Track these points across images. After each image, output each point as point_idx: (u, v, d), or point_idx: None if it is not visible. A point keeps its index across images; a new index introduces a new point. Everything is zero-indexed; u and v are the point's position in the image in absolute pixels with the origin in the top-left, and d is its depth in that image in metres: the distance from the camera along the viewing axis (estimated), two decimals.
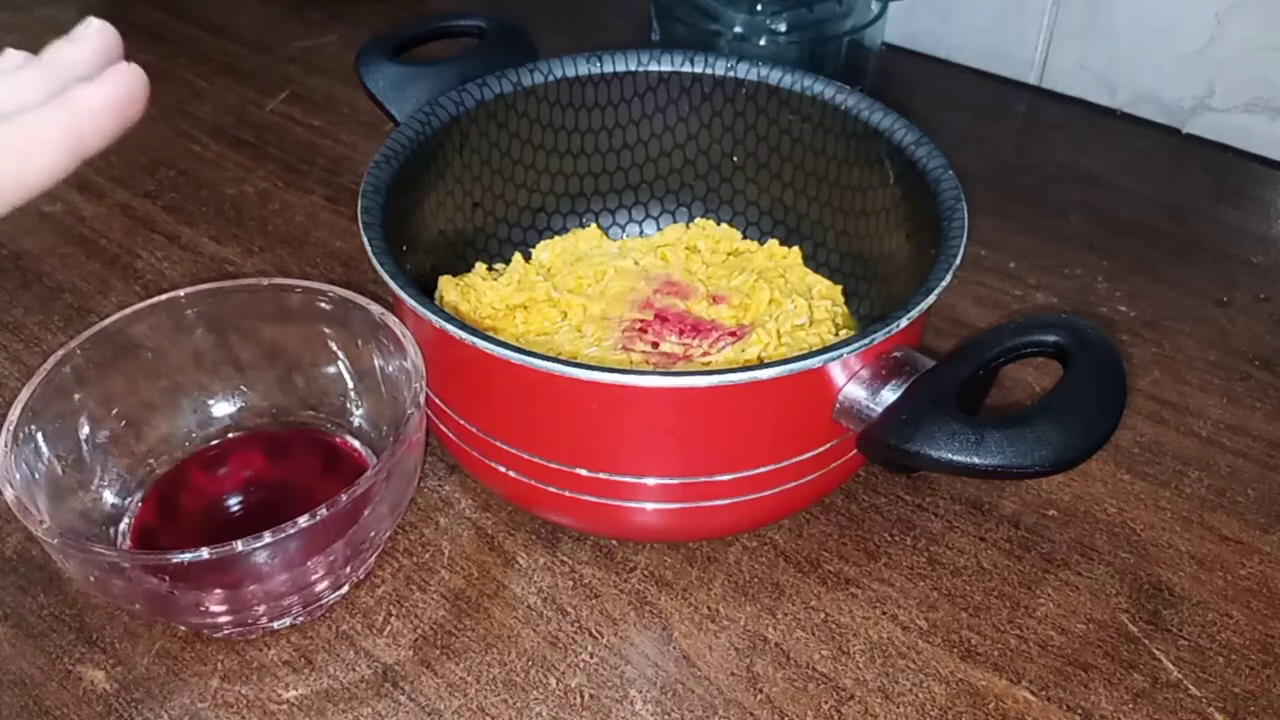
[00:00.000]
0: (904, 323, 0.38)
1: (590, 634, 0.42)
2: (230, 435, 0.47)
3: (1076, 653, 0.42)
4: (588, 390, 0.37)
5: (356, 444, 0.47)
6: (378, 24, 0.84)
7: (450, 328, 0.38)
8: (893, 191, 0.48)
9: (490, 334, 0.38)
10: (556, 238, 0.55)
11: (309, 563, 0.38)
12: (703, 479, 0.40)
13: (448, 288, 0.49)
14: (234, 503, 0.45)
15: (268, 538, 0.36)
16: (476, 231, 0.53)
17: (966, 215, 0.43)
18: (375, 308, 0.43)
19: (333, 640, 0.42)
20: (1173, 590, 0.44)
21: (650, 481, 0.40)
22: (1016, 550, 0.46)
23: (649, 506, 0.41)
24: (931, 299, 0.39)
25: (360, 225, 0.42)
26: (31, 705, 0.40)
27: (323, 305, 0.45)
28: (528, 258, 0.54)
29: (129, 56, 0.34)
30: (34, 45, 0.33)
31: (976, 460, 0.36)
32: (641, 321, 0.49)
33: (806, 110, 0.51)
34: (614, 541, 0.46)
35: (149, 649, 0.42)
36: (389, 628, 0.42)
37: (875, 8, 0.69)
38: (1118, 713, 0.40)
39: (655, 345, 0.48)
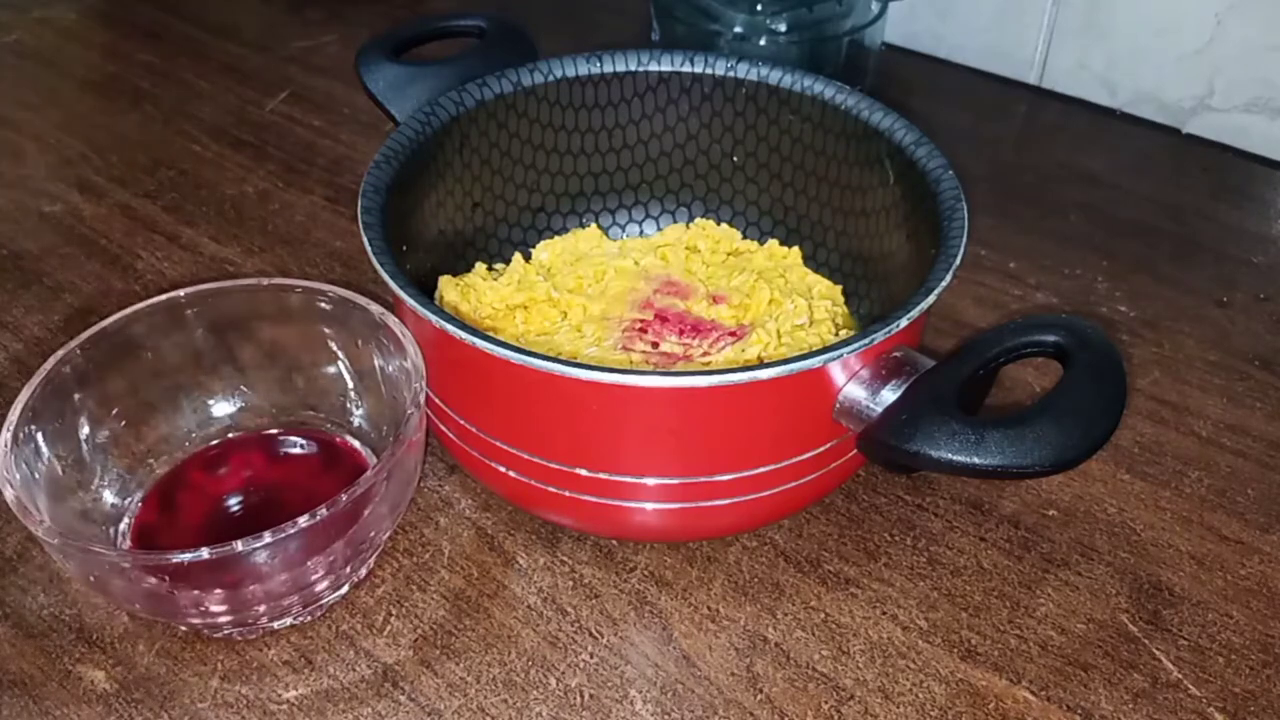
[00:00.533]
0: (904, 323, 0.38)
1: (590, 634, 0.42)
2: (230, 435, 0.47)
3: (1076, 653, 0.42)
4: (588, 390, 0.37)
5: (356, 444, 0.47)
6: (378, 24, 0.84)
7: (450, 328, 0.38)
8: (893, 191, 0.48)
9: (490, 334, 0.38)
10: (556, 238, 0.55)
11: (309, 563, 0.38)
12: (703, 479, 0.40)
13: (448, 288, 0.49)
14: (234, 503, 0.45)
15: (268, 538, 0.36)
16: (476, 231, 0.53)
17: (966, 215, 0.43)
18: (375, 308, 0.43)
19: (333, 640, 0.42)
20: (1173, 590, 0.44)
21: (650, 481, 0.40)
22: (1016, 550, 0.46)
23: (649, 506, 0.41)
24: (931, 299, 0.39)
25: (360, 225, 0.42)
26: (31, 705, 0.40)
27: (323, 305, 0.45)
28: (528, 258, 0.54)
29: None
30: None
31: (976, 460, 0.36)
32: (641, 321, 0.49)
33: (806, 110, 0.51)
34: (614, 541, 0.46)
35: (149, 649, 0.42)
36: (389, 628, 0.43)
37: (875, 8, 0.69)
38: (1118, 713, 0.40)
39: (655, 345, 0.48)
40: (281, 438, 0.47)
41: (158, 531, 0.43)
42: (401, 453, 0.39)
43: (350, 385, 0.47)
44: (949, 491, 0.48)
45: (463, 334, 0.38)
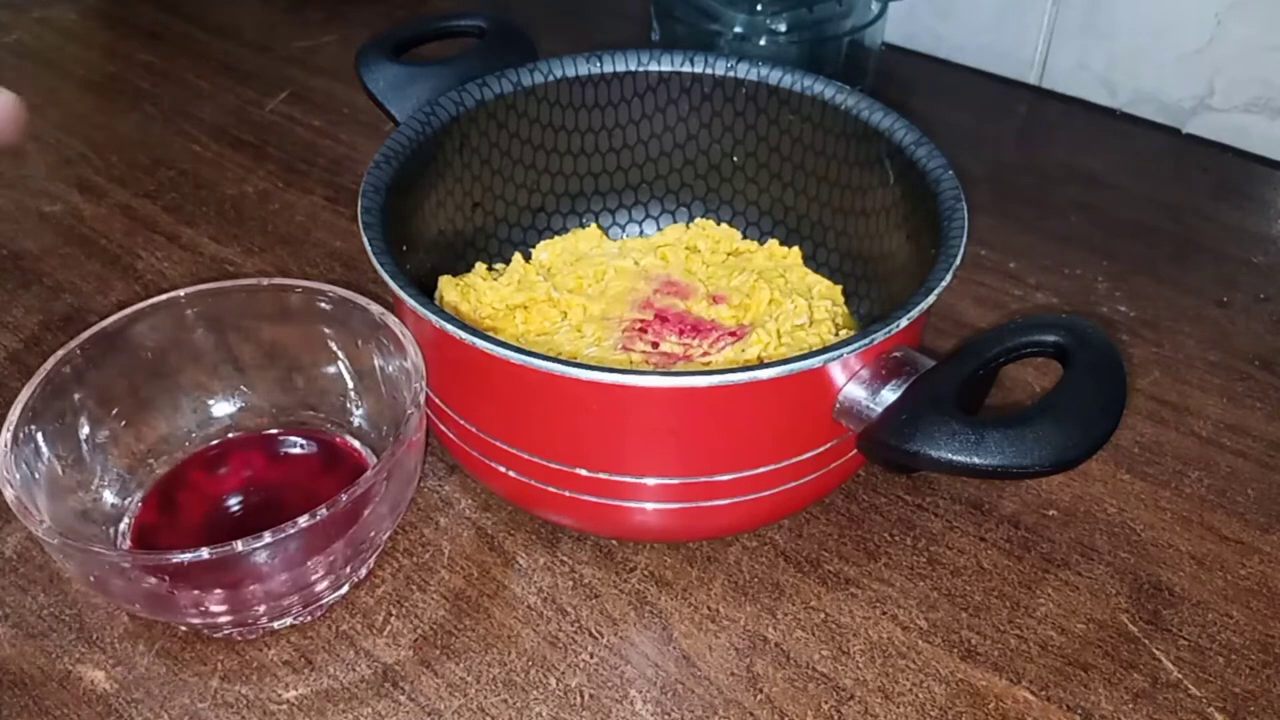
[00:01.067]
0: (904, 323, 0.38)
1: (590, 634, 0.42)
2: (230, 435, 0.47)
3: (1076, 653, 0.42)
4: (588, 390, 0.37)
5: (356, 444, 0.47)
6: (378, 24, 0.84)
7: (450, 328, 0.38)
8: (893, 191, 0.48)
9: (490, 334, 0.38)
10: (556, 238, 0.55)
11: (309, 563, 0.38)
12: (703, 479, 0.40)
13: (448, 288, 0.49)
14: (234, 503, 0.45)
15: (268, 538, 0.36)
16: (476, 231, 0.53)
17: (966, 215, 0.43)
18: (375, 308, 0.43)
19: (333, 640, 0.42)
20: (1173, 590, 0.44)
21: (650, 481, 0.40)
22: (1016, 550, 0.46)
23: (649, 506, 0.41)
24: (931, 299, 0.39)
25: (360, 225, 0.42)
26: (31, 705, 0.40)
27: (323, 305, 0.45)
28: (528, 258, 0.54)
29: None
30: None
31: (976, 460, 0.36)
32: (641, 321, 0.49)
33: (806, 110, 0.51)
34: (614, 541, 0.46)
35: (149, 649, 0.42)
36: (389, 628, 0.42)
37: (875, 8, 0.69)
38: (1118, 713, 0.40)
39: (655, 345, 0.48)
40: (281, 438, 0.47)
41: (158, 531, 0.43)
42: (401, 453, 0.39)
43: (350, 385, 0.47)
44: (949, 491, 0.48)
45: (463, 334, 0.38)
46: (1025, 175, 0.69)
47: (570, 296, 0.50)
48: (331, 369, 0.47)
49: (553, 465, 0.40)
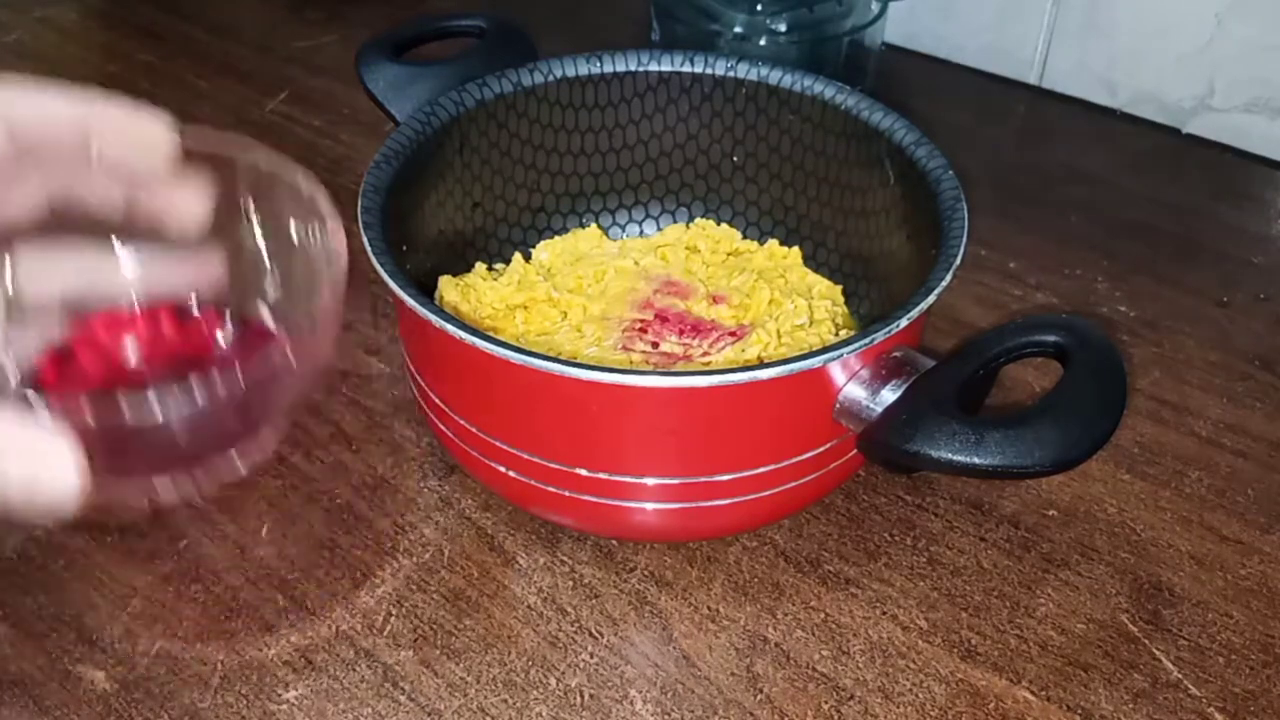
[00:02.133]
0: (904, 323, 0.38)
1: (590, 634, 0.42)
2: (140, 302, 0.45)
3: (1076, 653, 0.42)
4: (588, 390, 0.37)
5: (270, 320, 0.44)
6: (378, 24, 0.84)
7: (450, 328, 0.38)
8: (893, 191, 0.48)
9: (490, 334, 0.38)
10: (556, 238, 0.55)
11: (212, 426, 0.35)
12: (703, 479, 0.40)
13: (448, 288, 0.49)
14: (136, 368, 0.42)
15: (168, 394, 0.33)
16: (476, 231, 0.53)
17: (966, 215, 0.43)
18: (304, 183, 0.42)
19: (333, 640, 0.42)
20: (1173, 590, 0.44)
21: (650, 481, 0.40)
22: (1016, 550, 0.46)
23: (649, 506, 0.41)
24: (931, 299, 0.39)
25: (360, 225, 0.42)
26: (31, 705, 0.40)
27: (249, 174, 0.44)
28: (528, 258, 0.54)
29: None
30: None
31: (976, 460, 0.36)
32: (641, 321, 0.49)
33: (806, 110, 0.51)
34: (614, 541, 0.46)
35: (149, 649, 0.42)
36: (389, 628, 0.43)
37: (875, 8, 0.69)
38: (1118, 713, 0.40)
39: (655, 345, 0.48)
40: (190, 308, 0.43)
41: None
42: (312, 325, 0.37)
43: (267, 261, 0.43)
44: (949, 491, 0.48)
45: (463, 334, 0.38)
46: (1025, 175, 0.69)
47: (570, 296, 0.50)
48: (250, 242, 0.43)
49: (553, 465, 0.40)
